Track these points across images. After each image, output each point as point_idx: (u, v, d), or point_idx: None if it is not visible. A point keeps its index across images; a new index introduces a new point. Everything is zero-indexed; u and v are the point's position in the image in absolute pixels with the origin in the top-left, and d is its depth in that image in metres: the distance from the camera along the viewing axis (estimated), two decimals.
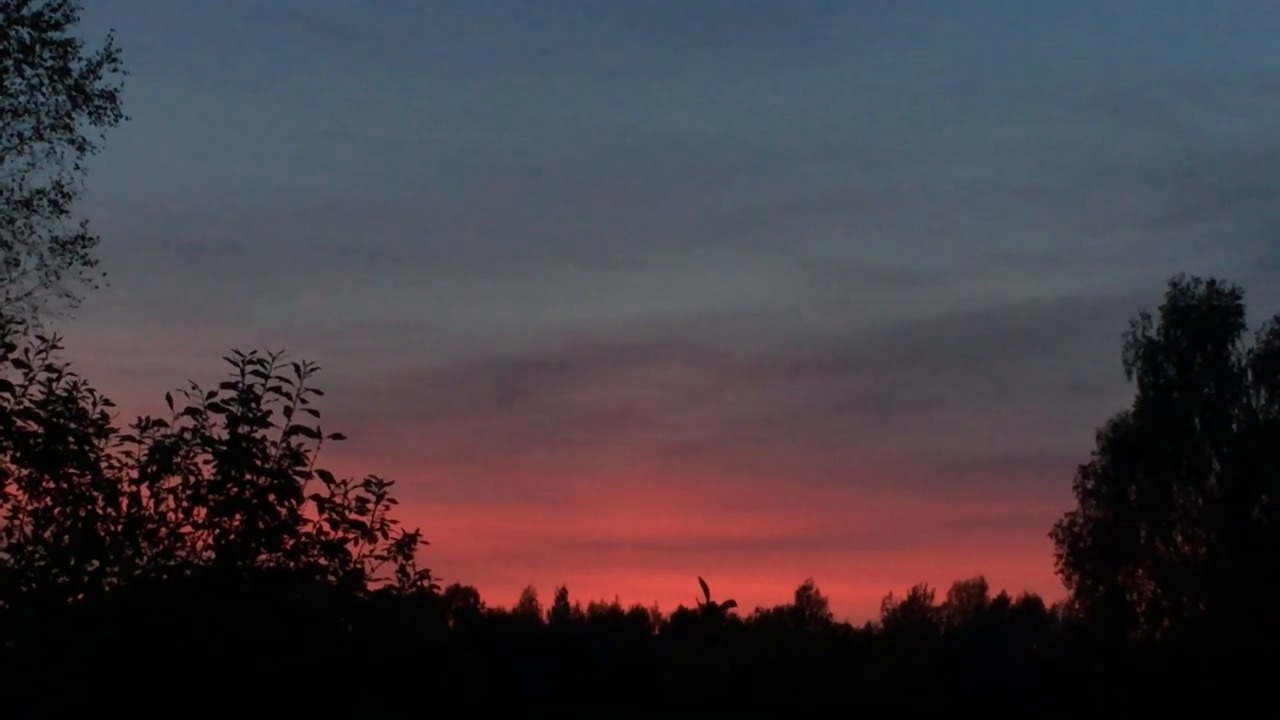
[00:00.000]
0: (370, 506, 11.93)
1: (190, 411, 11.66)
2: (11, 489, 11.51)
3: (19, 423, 11.50)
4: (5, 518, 11.51)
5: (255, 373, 11.62)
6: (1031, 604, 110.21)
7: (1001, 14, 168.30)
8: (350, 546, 11.88)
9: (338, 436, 11.76)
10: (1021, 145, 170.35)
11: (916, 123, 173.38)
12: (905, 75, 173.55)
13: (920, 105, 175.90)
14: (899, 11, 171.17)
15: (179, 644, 11.25)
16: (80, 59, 14.60)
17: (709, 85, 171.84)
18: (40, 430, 11.52)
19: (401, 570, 12.14)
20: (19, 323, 14.69)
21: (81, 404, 11.79)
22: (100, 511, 11.55)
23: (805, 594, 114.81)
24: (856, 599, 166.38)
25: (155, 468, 11.63)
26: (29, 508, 11.52)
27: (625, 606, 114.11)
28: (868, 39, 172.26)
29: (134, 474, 11.66)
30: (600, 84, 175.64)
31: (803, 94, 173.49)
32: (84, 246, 15.91)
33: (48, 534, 11.52)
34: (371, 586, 12.04)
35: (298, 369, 11.63)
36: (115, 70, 15.08)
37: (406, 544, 12.17)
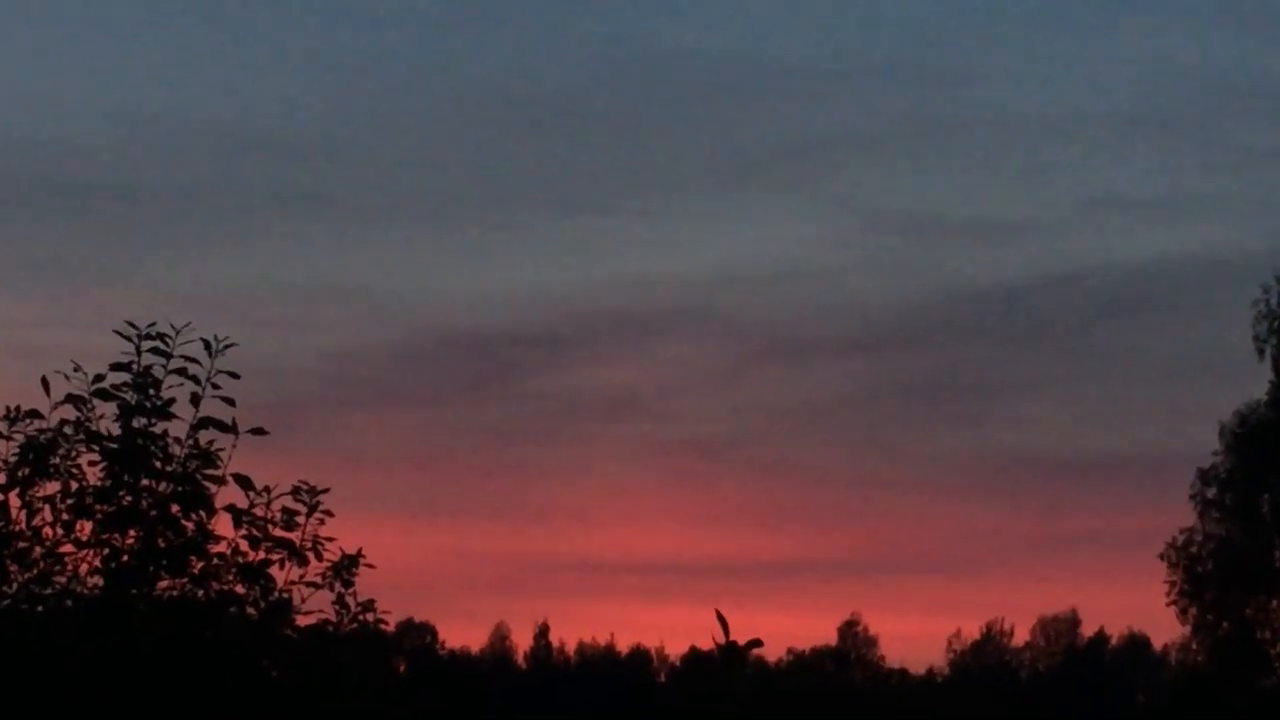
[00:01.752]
0: (300, 520, 12.07)
1: (72, 400, 11.75)
2: None
3: None
4: None
5: (154, 350, 11.71)
6: (1137, 643, 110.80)
7: None
8: (274, 570, 12.00)
9: (259, 431, 11.89)
10: (1125, 63, 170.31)
11: (993, 36, 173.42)
12: None
13: (997, 14, 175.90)
14: None
15: (58, 689, 11.35)
16: None
17: None
18: None
19: (339, 600, 12.28)
20: None
21: None
22: None
23: (850, 631, 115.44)
24: (915, 637, 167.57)
25: (27, 470, 11.76)
26: None
27: (623, 647, 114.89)
28: None
29: (0, 479, 11.80)
30: None
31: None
32: None
33: None
34: (301, 621, 12.18)
35: (208, 346, 11.72)
36: None
37: (346, 567, 12.30)
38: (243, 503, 11.89)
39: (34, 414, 11.81)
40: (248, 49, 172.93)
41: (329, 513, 12.15)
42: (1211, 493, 47.24)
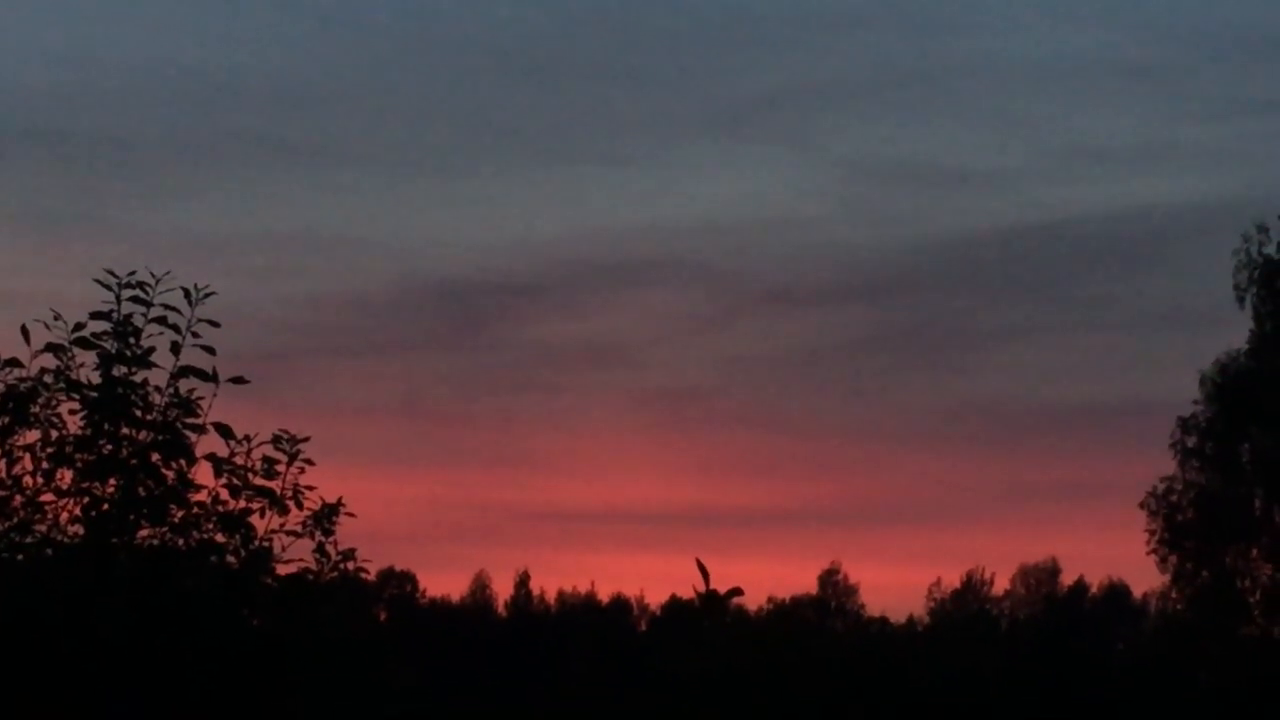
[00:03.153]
0: (280, 469, 12.22)
1: (52, 348, 11.86)
2: None
3: None
4: None
5: (135, 299, 11.84)
6: (1117, 592, 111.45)
7: None
8: (255, 519, 12.16)
9: (239, 380, 12.03)
10: (1106, 13, 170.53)
11: None
12: None
13: None
14: None
15: (37, 640, 11.49)
16: None
17: None
18: None
19: (320, 549, 12.42)
20: None
21: None
22: None
23: (830, 580, 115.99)
24: (896, 586, 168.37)
25: (7, 420, 11.85)
26: None
27: (603, 595, 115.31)
28: None
29: None
30: None
31: None
32: None
33: None
34: (281, 570, 12.32)
35: (188, 294, 11.87)
36: None
37: (326, 516, 12.44)
38: (223, 451, 12.09)
39: (13, 362, 11.94)
40: None
41: (309, 461, 12.34)
42: (1192, 441, 47.51)
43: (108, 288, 11.85)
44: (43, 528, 11.90)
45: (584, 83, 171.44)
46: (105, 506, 11.86)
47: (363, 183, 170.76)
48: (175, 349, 11.89)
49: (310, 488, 12.32)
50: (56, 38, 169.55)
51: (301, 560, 12.34)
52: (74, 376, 11.86)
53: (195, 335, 11.91)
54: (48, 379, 11.87)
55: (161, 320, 11.88)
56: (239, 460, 12.10)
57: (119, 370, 11.87)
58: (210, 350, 11.90)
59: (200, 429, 11.99)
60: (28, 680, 11.40)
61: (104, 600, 11.71)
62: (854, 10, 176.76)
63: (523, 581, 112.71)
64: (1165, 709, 56.68)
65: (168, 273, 11.95)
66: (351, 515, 12.54)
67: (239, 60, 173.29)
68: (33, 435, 11.83)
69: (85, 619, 11.61)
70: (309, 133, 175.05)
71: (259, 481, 12.13)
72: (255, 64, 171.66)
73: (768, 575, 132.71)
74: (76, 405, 11.84)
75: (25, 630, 11.58)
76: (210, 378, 11.88)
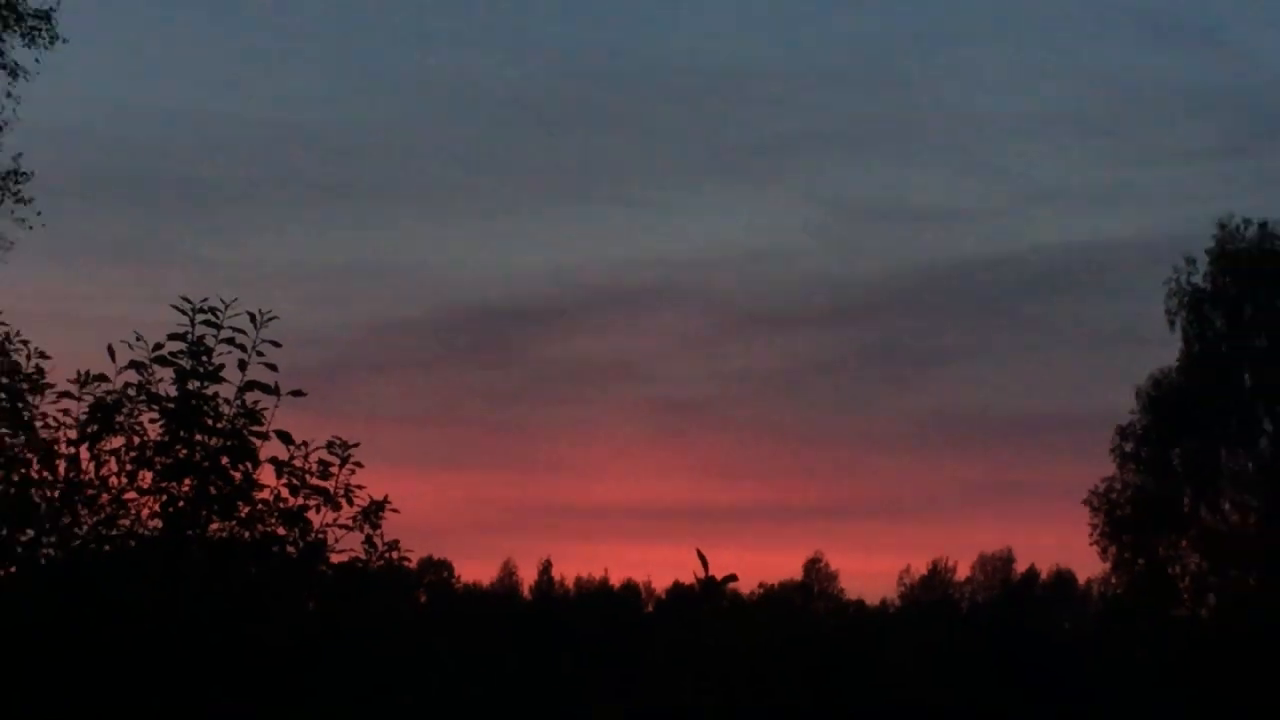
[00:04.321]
0: (334, 470, 12.01)
1: (135, 365, 11.69)
2: None
3: None
4: None
5: (206, 322, 11.66)
6: (1064, 578, 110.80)
7: None
8: (311, 515, 11.96)
9: (298, 393, 11.82)
10: (1057, 70, 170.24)
11: (942, 45, 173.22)
12: None
13: (946, 24, 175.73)
14: None
15: (121, 621, 11.29)
16: None
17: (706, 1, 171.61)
18: None
19: (368, 541, 12.22)
20: None
21: (14, 357, 11.91)
22: (35, 476, 11.64)
23: (814, 567, 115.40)
24: (871, 573, 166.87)
25: (96, 427, 11.68)
26: None
27: (615, 580, 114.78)
28: None
29: (72, 434, 11.74)
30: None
31: (814, 10, 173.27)
32: (17, 182, 16.26)
33: None
34: (335, 559, 12.12)
35: (253, 318, 11.67)
36: None
37: (374, 512, 12.25)
38: (283, 455, 11.85)
39: (101, 378, 11.76)
40: (291, 55, 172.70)
41: (359, 464, 12.11)
42: (1129, 447, 47.14)
43: (183, 313, 11.67)
44: (126, 522, 11.71)
45: (600, 134, 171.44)
46: (181, 503, 11.63)
47: (407, 220, 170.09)
48: (242, 366, 11.67)
49: (359, 487, 12.11)
50: (134, 94, 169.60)
51: (352, 551, 12.13)
52: (153, 390, 11.66)
53: (259, 354, 11.68)
54: (131, 392, 11.67)
55: (230, 341, 11.66)
56: (297, 463, 11.89)
57: (193, 385, 11.64)
58: (273, 367, 11.70)
59: (264, 436, 11.75)
60: (116, 656, 11.25)
61: (179, 585, 11.57)
62: (834, 69, 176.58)
63: (545, 568, 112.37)
64: (1106, 680, 56.36)
65: (235, 299, 11.78)
66: (395, 511, 12.34)
67: (300, 114, 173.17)
68: (118, 441, 11.64)
69: (163, 602, 11.46)
70: (360, 176, 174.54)
71: (315, 482, 11.93)
72: (315, 117, 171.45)
73: (759, 563, 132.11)
74: (156, 415, 11.61)
75: (110, 611, 11.43)
76: (272, 391, 11.68)
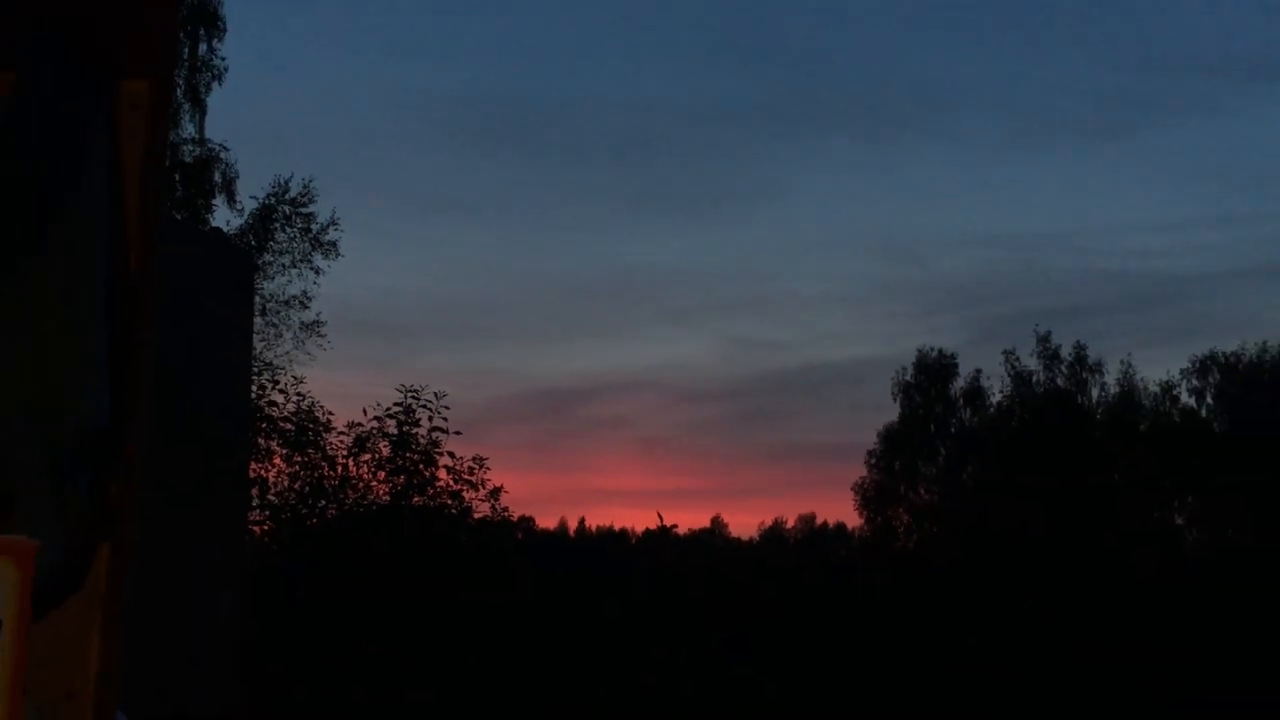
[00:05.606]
0: (476, 471, 19.42)
1: (376, 418, 19.60)
2: (277, 461, 19.02)
3: (281, 423, 18.97)
4: (274, 478, 18.94)
5: (412, 396, 19.57)
6: (841, 527, 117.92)
7: None
8: (466, 493, 19.27)
9: (458, 433, 19.39)
10: None
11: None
12: None
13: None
14: None
15: (365, 562, 18.43)
16: (317, 223, 22.88)
17: None
18: (292, 427, 19.08)
19: (493, 508, 19.67)
20: (281, 369, 22.51)
21: (315, 413, 19.80)
22: (325, 473, 19.47)
23: (716, 520, 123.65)
24: (748, 526, 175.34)
25: (356, 449, 19.40)
26: (287, 471, 18.96)
27: (617, 527, 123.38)
28: None
29: (345, 451, 19.40)
30: None
31: None
32: (318, 327, 23.90)
33: (297, 485, 18.91)
34: (476, 515, 19.40)
35: (436, 395, 19.48)
36: (336, 229, 23.45)
37: (495, 493, 19.47)
38: (450, 463, 19.18)
39: (358, 425, 19.56)
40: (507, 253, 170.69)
41: (489, 468, 19.61)
42: (874, 461, 55.90)
43: (401, 392, 19.40)
44: (371, 498, 18.85)
45: (568, 292, 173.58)
46: (399, 488, 18.77)
47: (506, 346, 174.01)
48: (430, 418, 19.27)
49: (489, 479, 19.34)
50: (378, 280, 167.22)
51: (485, 513, 19.44)
52: (386, 430, 19.19)
53: (439, 412, 19.11)
54: (374, 430, 19.33)
55: (425, 405, 19.37)
56: (459, 467, 19.06)
57: (405, 428, 19.09)
58: (445, 419, 19.22)
59: (440, 453, 19.07)
60: (371, 574, 18.21)
61: (399, 531, 18.60)
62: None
63: (581, 522, 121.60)
64: (863, 590, 62.07)
65: (426, 386, 19.52)
66: (506, 492, 19.72)
67: (476, 290, 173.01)
68: (367, 456, 19.33)
69: (391, 541, 18.45)
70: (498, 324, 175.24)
71: (467, 477, 19.16)
72: (478, 292, 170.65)
73: (683, 520, 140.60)
74: (387, 443, 19.20)
75: (357, 557, 17.99)
76: (446, 432, 19.34)
